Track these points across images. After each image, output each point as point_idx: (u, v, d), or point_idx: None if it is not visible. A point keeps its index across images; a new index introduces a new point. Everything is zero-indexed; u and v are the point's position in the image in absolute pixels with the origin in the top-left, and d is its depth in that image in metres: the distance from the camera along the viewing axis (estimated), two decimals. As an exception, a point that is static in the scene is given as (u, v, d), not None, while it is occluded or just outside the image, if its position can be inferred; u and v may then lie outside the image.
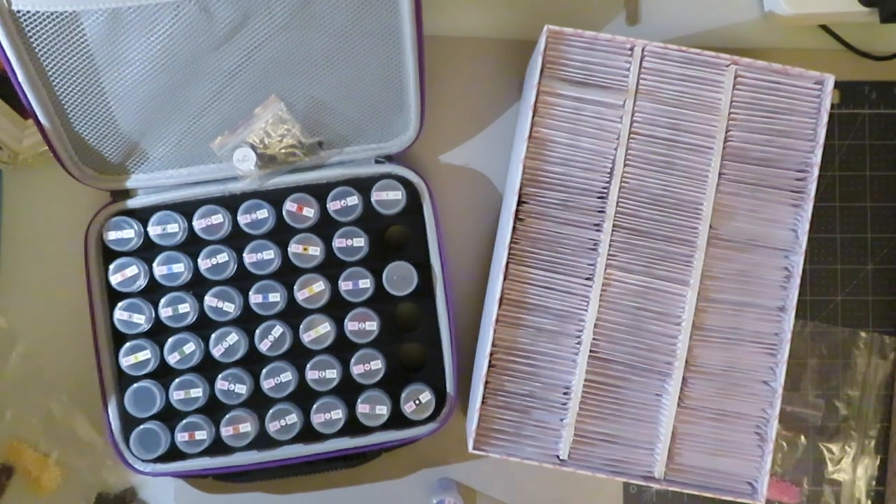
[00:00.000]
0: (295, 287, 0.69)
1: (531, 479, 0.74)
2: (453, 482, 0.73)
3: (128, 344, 0.68)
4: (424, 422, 0.70)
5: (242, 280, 0.69)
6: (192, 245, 0.69)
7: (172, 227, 0.68)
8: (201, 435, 0.68)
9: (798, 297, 0.64)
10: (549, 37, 0.65)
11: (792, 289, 0.65)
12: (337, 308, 0.69)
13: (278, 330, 0.68)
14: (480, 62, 0.75)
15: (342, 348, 0.69)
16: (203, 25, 0.61)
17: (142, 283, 0.68)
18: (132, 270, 0.68)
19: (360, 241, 0.69)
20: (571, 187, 0.65)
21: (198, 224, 0.68)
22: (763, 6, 0.75)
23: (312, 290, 0.69)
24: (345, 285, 0.69)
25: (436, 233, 0.70)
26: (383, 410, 0.69)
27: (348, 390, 0.69)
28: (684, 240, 0.65)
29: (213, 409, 0.69)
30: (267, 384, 0.68)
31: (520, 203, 0.65)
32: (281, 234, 0.69)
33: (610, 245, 0.65)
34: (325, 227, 0.69)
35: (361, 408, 0.69)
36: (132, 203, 0.69)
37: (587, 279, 0.65)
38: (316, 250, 0.69)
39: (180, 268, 0.68)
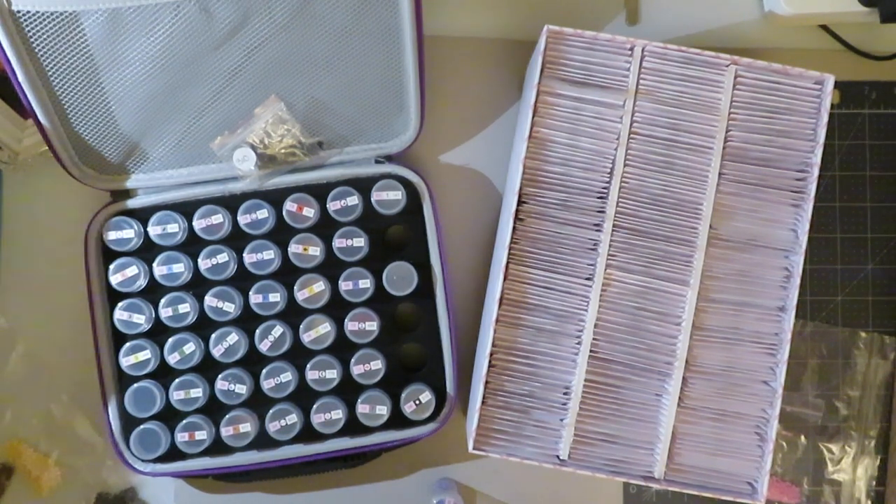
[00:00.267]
0: (295, 287, 0.69)
1: (531, 479, 0.74)
2: (453, 482, 0.73)
3: (128, 344, 0.68)
4: (424, 422, 0.70)
5: (242, 280, 0.69)
6: (192, 245, 0.69)
7: (172, 227, 0.68)
8: (201, 435, 0.68)
9: (798, 297, 0.64)
10: (549, 37, 0.65)
11: (792, 289, 0.65)
12: (337, 308, 0.69)
13: (278, 330, 0.68)
14: (480, 62, 0.75)
15: (342, 348, 0.69)
16: (203, 25, 0.61)
17: (142, 283, 0.68)
18: (132, 270, 0.68)
19: (360, 241, 0.69)
20: (571, 187, 0.65)
21: (198, 224, 0.68)
22: (763, 6, 0.75)
23: (312, 290, 0.69)
24: (345, 285, 0.69)
25: (436, 233, 0.70)
26: (383, 410, 0.69)
27: (348, 390, 0.69)
28: (684, 240, 0.65)
29: (213, 409, 0.69)
30: (267, 384, 0.68)
31: (520, 203, 0.65)
32: (281, 234, 0.69)
33: (610, 245, 0.65)
34: (325, 227, 0.69)
35: (361, 408, 0.69)
36: (132, 203, 0.69)
37: (587, 279, 0.65)
38: (316, 250, 0.69)
39: (180, 268, 0.68)
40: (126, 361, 0.68)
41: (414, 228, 0.71)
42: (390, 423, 0.69)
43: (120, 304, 0.68)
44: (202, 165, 0.69)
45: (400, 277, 0.70)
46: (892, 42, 0.75)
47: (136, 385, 0.68)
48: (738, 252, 0.65)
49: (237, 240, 0.69)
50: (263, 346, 0.68)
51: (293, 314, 0.69)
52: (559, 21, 0.66)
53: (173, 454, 0.69)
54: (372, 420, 0.69)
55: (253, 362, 0.69)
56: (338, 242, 0.69)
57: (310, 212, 0.69)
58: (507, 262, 0.65)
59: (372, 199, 0.70)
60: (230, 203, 0.70)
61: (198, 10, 0.60)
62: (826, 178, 0.75)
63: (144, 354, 0.68)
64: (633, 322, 0.65)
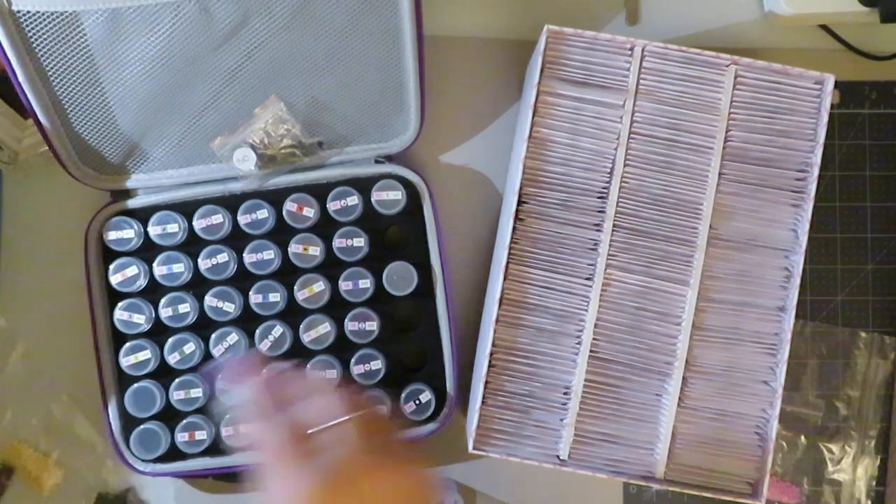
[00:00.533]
0: (295, 287, 0.69)
1: (531, 479, 0.74)
2: (453, 482, 0.73)
3: (128, 344, 0.68)
4: (424, 422, 0.70)
5: (242, 280, 0.69)
6: (192, 245, 0.69)
7: (172, 227, 0.68)
8: (201, 435, 0.68)
9: (798, 297, 0.64)
10: (549, 37, 0.65)
11: (792, 289, 0.65)
12: (337, 308, 0.69)
13: (278, 330, 0.68)
14: (480, 62, 0.75)
15: (342, 348, 0.69)
16: (203, 25, 0.61)
17: (142, 283, 0.68)
18: (132, 270, 0.68)
19: (360, 241, 0.69)
20: (571, 187, 0.65)
21: (198, 224, 0.68)
22: (763, 6, 0.75)
23: (312, 290, 0.69)
24: (345, 285, 0.69)
25: (436, 233, 0.70)
26: (383, 410, 0.69)
27: (348, 390, 0.69)
28: (684, 240, 0.65)
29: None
30: (267, 384, 0.68)
31: (520, 203, 0.65)
32: (281, 234, 0.69)
33: (610, 245, 0.65)
34: (325, 227, 0.69)
35: (361, 408, 0.69)
36: (132, 203, 0.69)
37: (587, 279, 0.65)
38: (316, 250, 0.69)
39: (180, 268, 0.68)
40: (126, 361, 0.68)
41: (414, 228, 0.71)
42: (390, 423, 0.69)
43: (120, 304, 0.68)
44: (202, 165, 0.69)
45: (400, 277, 0.70)
46: (892, 42, 0.75)
47: (136, 385, 0.68)
48: (739, 252, 0.65)
49: (237, 240, 0.69)
50: (263, 346, 0.68)
51: (293, 314, 0.69)
52: (559, 21, 0.66)
53: (173, 454, 0.69)
54: (372, 420, 0.69)
55: (253, 362, 0.69)
56: (338, 242, 0.69)
57: (310, 212, 0.69)
58: (507, 262, 0.65)
59: (372, 199, 0.70)
60: (230, 203, 0.70)
61: (198, 11, 0.60)
62: (826, 178, 0.75)
63: (144, 354, 0.68)
64: (634, 322, 0.65)
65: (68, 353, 0.72)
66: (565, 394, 0.65)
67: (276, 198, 0.69)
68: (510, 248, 0.65)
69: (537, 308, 0.65)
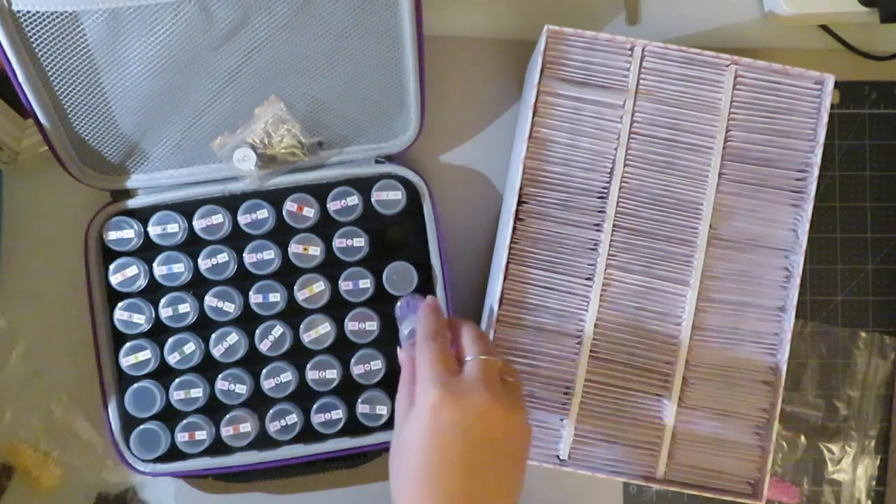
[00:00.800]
0: (295, 287, 0.69)
1: (531, 479, 0.74)
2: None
3: (128, 344, 0.68)
4: (424, 422, 0.70)
5: (242, 280, 0.69)
6: (192, 245, 0.69)
7: (172, 227, 0.68)
8: (201, 435, 0.68)
9: (798, 297, 0.64)
10: (549, 37, 0.65)
11: (792, 289, 0.65)
12: (337, 308, 0.69)
13: (278, 330, 0.68)
14: (480, 62, 0.75)
15: (342, 348, 0.69)
16: (203, 25, 0.61)
17: (142, 283, 0.68)
18: (132, 270, 0.68)
19: (360, 241, 0.69)
20: (571, 187, 0.65)
21: (198, 224, 0.68)
22: (763, 6, 0.75)
23: (312, 290, 0.69)
24: (345, 285, 0.69)
25: (436, 233, 0.70)
26: (383, 410, 0.69)
27: (348, 390, 0.69)
28: (684, 240, 0.65)
29: (214, 409, 0.69)
30: (267, 384, 0.68)
31: (520, 203, 0.65)
32: (281, 234, 0.69)
33: (610, 245, 0.65)
34: (325, 227, 0.69)
35: (361, 408, 0.69)
36: (132, 203, 0.69)
37: (587, 279, 0.65)
38: (316, 250, 0.69)
39: (180, 268, 0.68)
40: (126, 361, 0.68)
41: (414, 228, 0.71)
42: (390, 422, 0.69)
43: (120, 304, 0.68)
44: (202, 165, 0.69)
45: (400, 277, 0.70)
46: (892, 42, 0.75)
47: (136, 385, 0.68)
48: (739, 252, 0.65)
49: (237, 240, 0.69)
50: (263, 346, 0.68)
51: (293, 314, 0.69)
52: (559, 21, 0.66)
53: (173, 454, 0.69)
54: (372, 420, 0.69)
55: (253, 362, 0.69)
56: (338, 242, 0.69)
57: (310, 212, 0.69)
58: (508, 262, 0.65)
59: (372, 199, 0.70)
60: (230, 203, 0.70)
61: (198, 11, 0.60)
62: (826, 178, 0.75)
63: (144, 354, 0.68)
64: (634, 322, 0.65)
65: (68, 353, 0.72)
66: (565, 394, 0.65)
67: (276, 198, 0.69)
68: (510, 248, 0.65)
69: (537, 308, 0.65)
